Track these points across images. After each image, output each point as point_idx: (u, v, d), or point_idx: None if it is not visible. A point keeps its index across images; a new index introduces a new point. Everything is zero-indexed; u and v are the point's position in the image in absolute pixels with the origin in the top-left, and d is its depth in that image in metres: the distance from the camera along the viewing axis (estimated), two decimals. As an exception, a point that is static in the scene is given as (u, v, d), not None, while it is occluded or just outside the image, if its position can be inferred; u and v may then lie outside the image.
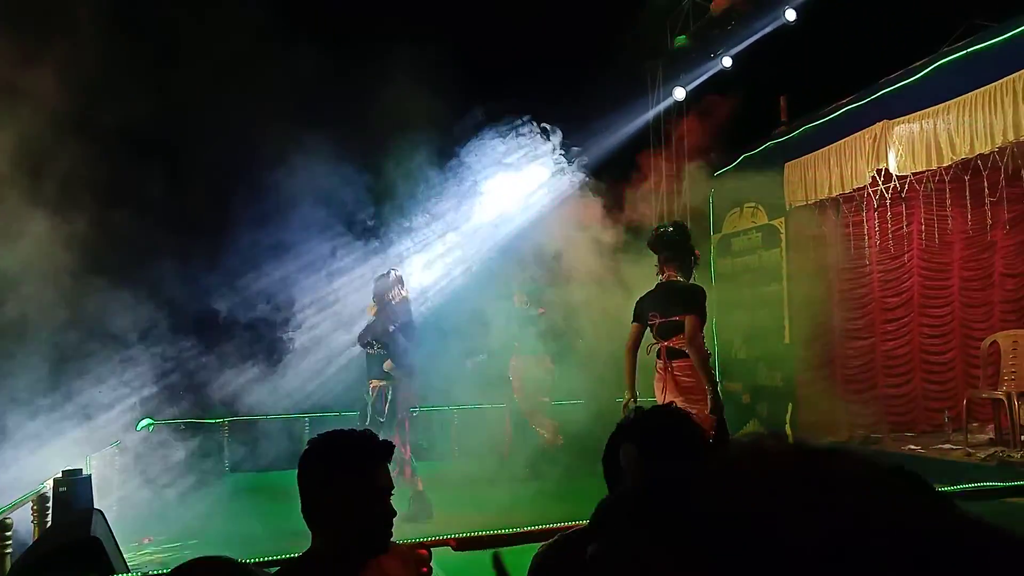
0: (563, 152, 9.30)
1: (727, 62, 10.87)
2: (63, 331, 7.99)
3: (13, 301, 7.38)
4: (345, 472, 1.96)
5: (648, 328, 5.62)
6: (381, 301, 7.31)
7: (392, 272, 7.45)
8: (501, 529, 4.22)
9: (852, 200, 9.10)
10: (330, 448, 2.02)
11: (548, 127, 9.18)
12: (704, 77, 11.09)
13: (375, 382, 7.24)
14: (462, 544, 3.92)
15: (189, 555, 5.13)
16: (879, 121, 8.06)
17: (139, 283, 8.56)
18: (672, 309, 5.52)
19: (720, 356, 10.97)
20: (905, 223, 9.39)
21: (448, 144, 8.96)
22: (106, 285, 8.13)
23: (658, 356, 5.58)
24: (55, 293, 7.63)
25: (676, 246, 5.73)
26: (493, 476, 8.47)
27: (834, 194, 8.88)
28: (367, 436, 2.05)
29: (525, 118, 9.06)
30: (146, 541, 6.78)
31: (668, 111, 11.95)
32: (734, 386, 10.69)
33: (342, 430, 2.10)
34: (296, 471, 2.01)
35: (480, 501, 7.37)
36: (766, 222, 10.12)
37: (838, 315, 9.61)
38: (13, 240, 7.32)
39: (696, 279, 5.84)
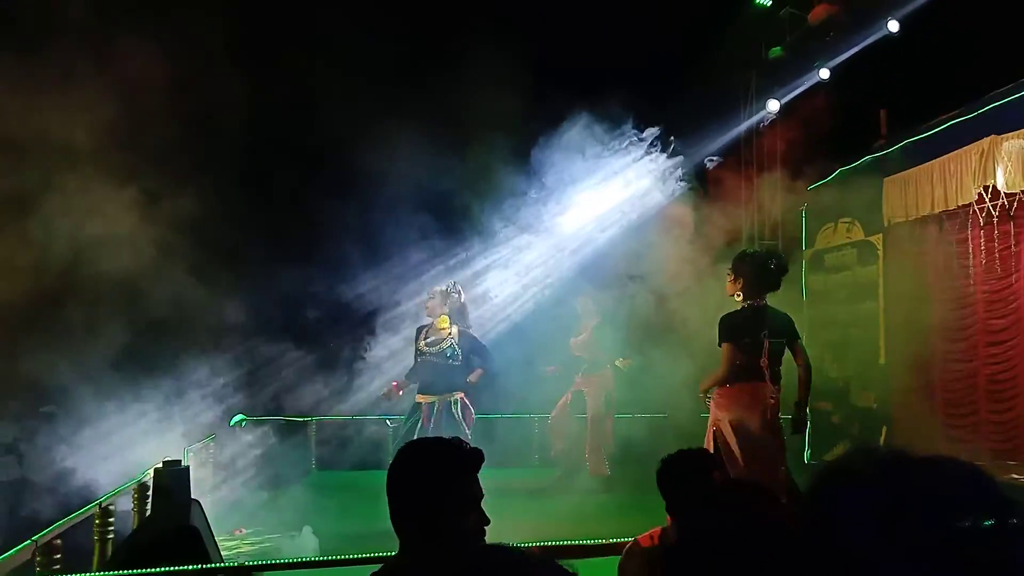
0: (665, 158, 9.24)
1: (824, 74, 10.59)
2: (164, 327, 8.34)
3: (125, 297, 7.74)
4: (435, 482, 1.94)
5: (742, 349, 5.50)
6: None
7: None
8: (581, 539, 4.19)
9: (956, 217, 8.73)
10: (420, 457, 2.01)
11: (650, 135, 9.13)
12: (800, 89, 10.82)
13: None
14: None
15: (280, 547, 5.29)
16: (987, 136, 7.73)
17: (241, 285, 8.85)
18: (781, 333, 5.52)
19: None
20: (1013, 242, 8.92)
21: (544, 149, 8.95)
22: (212, 284, 8.44)
23: (767, 379, 5.47)
24: (165, 289, 7.97)
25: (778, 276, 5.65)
26: (577, 486, 8.45)
27: (937, 211, 8.55)
28: (456, 445, 2.02)
29: (627, 126, 9.01)
30: (238, 532, 6.99)
31: (762, 123, 11.71)
32: (824, 405, 10.37)
33: (431, 438, 2.10)
34: (383, 473, 2.00)
35: (554, 510, 7.37)
36: (862, 238, 9.80)
37: (938, 336, 9.21)
38: (123, 237, 7.68)
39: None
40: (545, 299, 10.11)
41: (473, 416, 7.05)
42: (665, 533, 2.50)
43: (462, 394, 6.99)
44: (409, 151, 8.97)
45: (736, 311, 5.56)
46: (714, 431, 5.43)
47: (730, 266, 5.73)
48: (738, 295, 5.59)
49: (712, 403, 5.54)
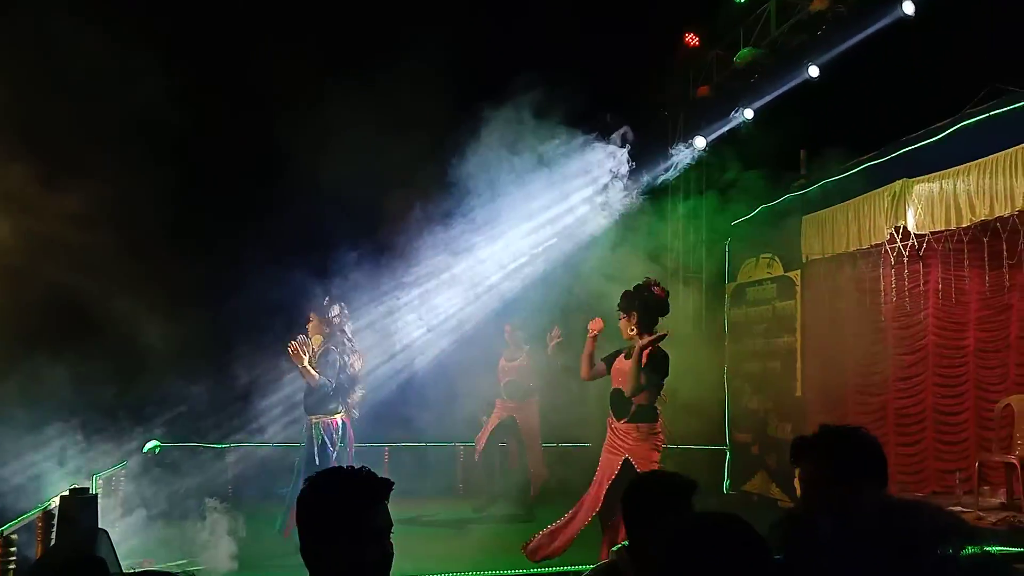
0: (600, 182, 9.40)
1: (748, 114, 10.95)
2: (73, 346, 8.05)
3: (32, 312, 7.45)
4: (342, 512, 1.93)
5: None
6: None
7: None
8: (493, 571, 4.18)
9: (869, 256, 9.10)
10: (327, 487, 1.99)
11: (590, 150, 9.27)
12: (726, 128, 11.15)
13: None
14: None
15: (188, 580, 5.04)
16: (899, 179, 8.08)
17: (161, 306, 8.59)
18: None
19: (730, 406, 10.93)
20: (922, 281, 9.37)
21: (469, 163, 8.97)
22: (127, 303, 8.20)
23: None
24: (75, 307, 7.71)
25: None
26: (491, 515, 8.45)
27: (851, 249, 8.88)
28: (364, 474, 2.01)
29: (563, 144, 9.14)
30: (146, 563, 6.75)
31: (689, 159, 12.01)
32: (743, 436, 10.62)
33: (339, 468, 2.08)
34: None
35: (481, 541, 7.33)
36: (782, 273, 10.12)
37: (851, 369, 9.56)
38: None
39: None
40: (469, 326, 10.14)
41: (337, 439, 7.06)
42: (621, 555, 2.52)
43: (323, 417, 7.07)
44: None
45: (658, 343, 5.68)
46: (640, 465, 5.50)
47: (623, 304, 5.86)
48: (632, 330, 5.75)
49: (645, 439, 5.62)
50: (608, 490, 5.47)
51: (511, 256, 10.02)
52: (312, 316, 7.32)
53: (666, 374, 5.71)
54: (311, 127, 9.08)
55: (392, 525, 1.99)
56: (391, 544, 1.99)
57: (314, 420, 7.10)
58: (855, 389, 9.57)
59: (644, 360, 5.57)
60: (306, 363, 6.97)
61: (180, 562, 6.83)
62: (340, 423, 7.14)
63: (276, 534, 7.01)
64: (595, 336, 5.87)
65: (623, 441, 5.65)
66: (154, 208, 8.49)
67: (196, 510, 7.86)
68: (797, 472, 2.37)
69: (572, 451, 9.78)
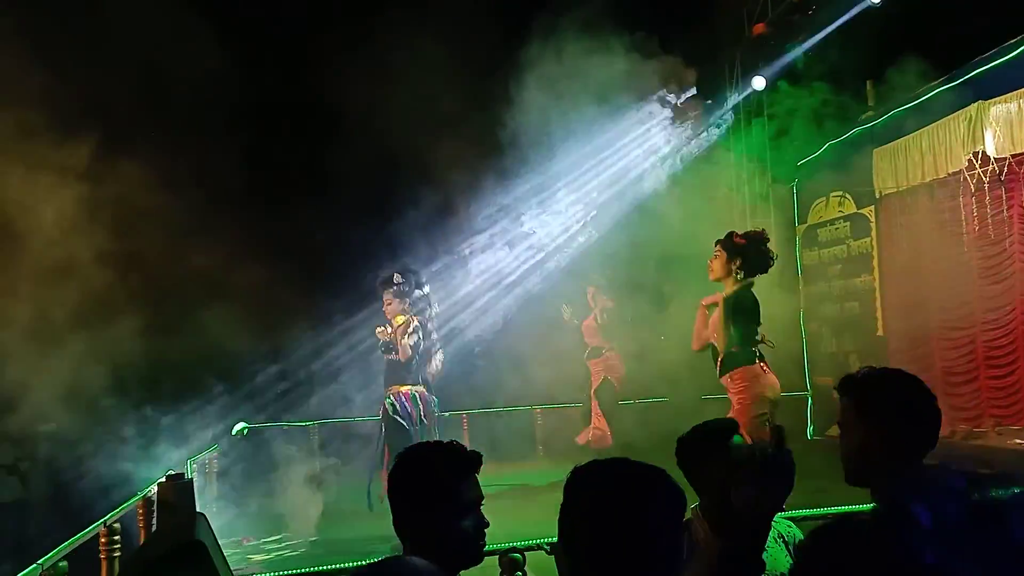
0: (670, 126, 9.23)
1: (808, 48, 10.53)
2: (163, 335, 8.30)
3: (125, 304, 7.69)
4: (435, 486, 1.95)
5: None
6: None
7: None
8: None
9: (947, 185, 8.70)
10: (418, 461, 2.01)
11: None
12: (785, 64, 10.76)
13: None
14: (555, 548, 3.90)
15: (287, 554, 5.27)
16: (974, 102, 7.70)
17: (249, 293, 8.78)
18: None
19: (808, 349, 10.70)
20: (1005, 207, 8.90)
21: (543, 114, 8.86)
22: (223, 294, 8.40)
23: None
24: (165, 296, 7.94)
25: None
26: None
27: (927, 179, 8.54)
28: (454, 448, 2.03)
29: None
30: (245, 542, 6.98)
31: (747, 100, 11.66)
32: (824, 380, 10.38)
33: (429, 443, 2.12)
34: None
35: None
36: (855, 211, 9.79)
37: (935, 305, 9.21)
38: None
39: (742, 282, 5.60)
40: (548, 284, 10.13)
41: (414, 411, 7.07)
42: (699, 510, 2.45)
43: (399, 388, 7.07)
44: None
45: (747, 290, 5.48)
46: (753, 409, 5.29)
47: (722, 244, 5.59)
48: (737, 275, 5.47)
49: (743, 388, 5.35)
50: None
51: (575, 213, 9.95)
52: (388, 297, 7.27)
53: (758, 320, 5.47)
54: (369, 83, 9.05)
55: (483, 497, 2.01)
56: (483, 515, 2.00)
57: (393, 391, 7.15)
58: (940, 324, 9.22)
59: (731, 310, 5.39)
60: (398, 337, 7.04)
61: (276, 537, 7.04)
62: (413, 394, 7.15)
63: (364, 506, 7.15)
64: (709, 305, 5.60)
65: (730, 395, 5.45)
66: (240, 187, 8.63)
67: (287, 487, 8.08)
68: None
69: (649, 407, 9.71)
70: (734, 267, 5.46)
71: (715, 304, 5.57)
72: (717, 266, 5.53)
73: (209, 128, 8.49)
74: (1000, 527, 0.98)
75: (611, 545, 1.44)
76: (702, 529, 2.40)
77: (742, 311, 5.40)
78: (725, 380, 5.44)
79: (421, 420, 7.05)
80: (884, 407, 2.16)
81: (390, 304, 7.20)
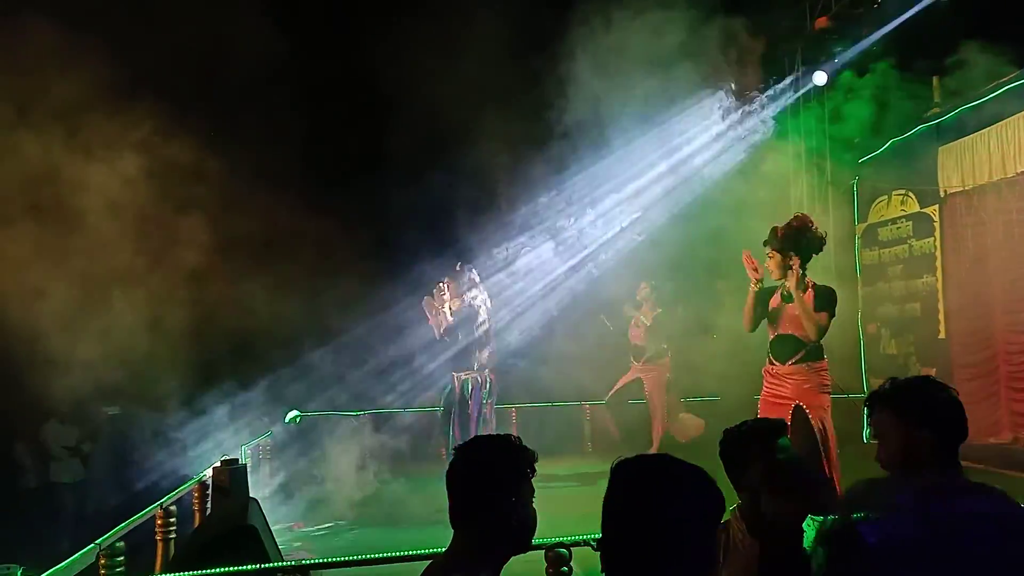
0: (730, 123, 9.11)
1: (872, 42, 10.27)
2: (221, 325, 8.48)
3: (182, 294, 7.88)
4: (515, 471, 2.03)
5: None
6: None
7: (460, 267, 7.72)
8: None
9: (1015, 184, 8.42)
10: (502, 448, 2.07)
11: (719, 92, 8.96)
12: (848, 59, 10.51)
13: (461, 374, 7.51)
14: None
15: (337, 540, 5.34)
16: (1045, 99, 7.45)
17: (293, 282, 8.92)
18: None
19: (867, 351, 10.47)
20: (1076, 208, 8.63)
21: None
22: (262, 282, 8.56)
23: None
24: (219, 285, 8.11)
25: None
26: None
27: (995, 178, 8.29)
28: (517, 442, 2.09)
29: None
30: (296, 527, 7.10)
31: (808, 95, 11.42)
32: (881, 382, 10.14)
33: (494, 435, 2.16)
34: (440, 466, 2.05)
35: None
36: (918, 210, 9.54)
37: (1000, 308, 8.93)
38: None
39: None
40: (597, 284, 10.10)
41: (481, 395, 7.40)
42: (739, 510, 2.41)
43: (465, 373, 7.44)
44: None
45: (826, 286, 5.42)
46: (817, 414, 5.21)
47: (779, 244, 5.49)
48: (796, 271, 5.37)
49: (813, 381, 5.28)
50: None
51: (629, 209, 9.88)
52: (448, 282, 7.57)
53: (832, 308, 5.35)
54: (419, 63, 9.11)
55: (534, 492, 2.06)
56: (534, 510, 2.06)
57: (459, 376, 7.42)
58: (1004, 328, 8.94)
59: (812, 300, 5.31)
60: (444, 309, 7.33)
61: (328, 524, 7.15)
62: (479, 379, 7.45)
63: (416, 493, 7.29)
64: (758, 281, 5.52)
65: (789, 386, 5.29)
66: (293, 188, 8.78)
67: (338, 474, 8.20)
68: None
69: (704, 404, 9.60)
70: (789, 261, 5.40)
71: (763, 288, 5.50)
72: (773, 267, 5.46)
73: (262, 105, 8.67)
74: (954, 541, 0.96)
75: (643, 539, 1.46)
76: (740, 530, 2.37)
77: (831, 303, 5.33)
78: (791, 369, 5.34)
79: (483, 405, 7.32)
80: (922, 411, 2.15)
81: (450, 287, 7.55)
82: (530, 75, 8.98)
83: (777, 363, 5.40)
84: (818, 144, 11.48)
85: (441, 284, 7.55)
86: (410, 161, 9.66)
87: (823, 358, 5.36)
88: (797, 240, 5.43)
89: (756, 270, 5.42)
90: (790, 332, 5.38)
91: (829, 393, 5.34)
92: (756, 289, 5.44)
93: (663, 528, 1.45)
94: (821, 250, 5.59)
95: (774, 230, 5.53)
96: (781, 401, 5.30)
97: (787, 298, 5.41)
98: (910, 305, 9.70)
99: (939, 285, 9.19)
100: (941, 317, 9.16)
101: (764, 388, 5.47)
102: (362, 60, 9.67)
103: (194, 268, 7.97)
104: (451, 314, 7.44)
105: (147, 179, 7.43)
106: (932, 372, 9.25)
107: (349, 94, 9.90)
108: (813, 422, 5.10)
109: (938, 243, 9.22)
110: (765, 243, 5.53)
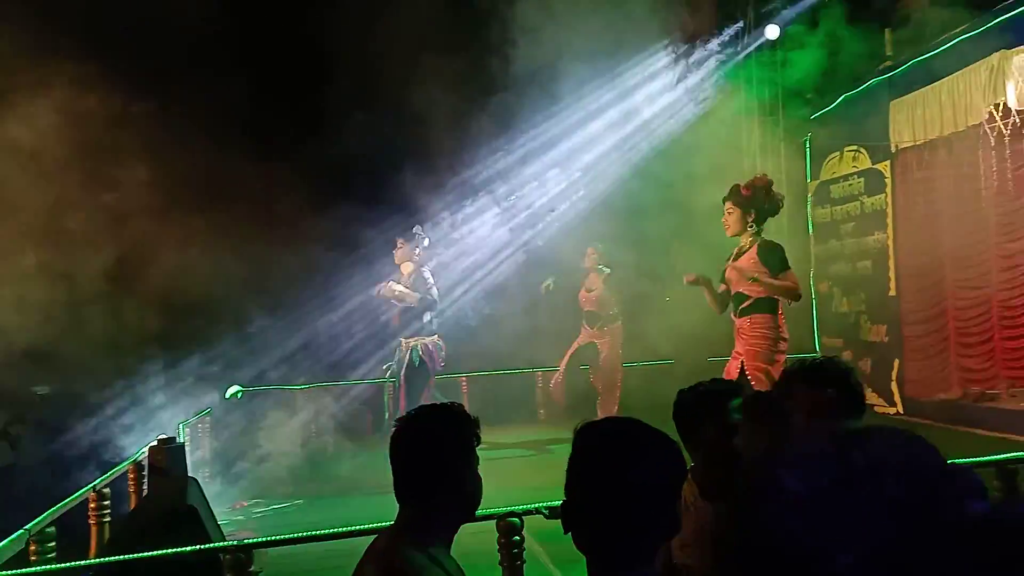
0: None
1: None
2: (152, 296, 8.28)
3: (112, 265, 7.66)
4: (465, 439, 2.03)
5: None
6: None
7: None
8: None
9: (966, 138, 8.58)
10: (450, 417, 2.07)
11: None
12: (798, 11, 10.56)
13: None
14: (555, 512, 3.90)
15: (282, 520, 5.27)
16: (996, 51, 7.56)
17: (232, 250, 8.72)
18: None
19: (818, 309, 10.67)
20: (1026, 161, 8.83)
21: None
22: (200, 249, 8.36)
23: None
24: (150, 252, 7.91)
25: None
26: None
27: (946, 133, 8.42)
28: (460, 410, 2.09)
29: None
30: (238, 506, 7.02)
31: (759, 49, 11.45)
32: (834, 342, 10.37)
33: (441, 404, 2.17)
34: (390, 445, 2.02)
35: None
36: (869, 166, 9.69)
37: (950, 264, 9.15)
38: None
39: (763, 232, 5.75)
40: (549, 242, 10.07)
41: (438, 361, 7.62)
42: (691, 473, 2.46)
43: (422, 339, 7.56)
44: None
45: (768, 240, 5.58)
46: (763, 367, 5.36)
47: (732, 200, 5.66)
48: (749, 227, 5.56)
49: (762, 335, 5.45)
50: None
51: (578, 170, 9.86)
52: (400, 243, 7.62)
53: (786, 262, 5.55)
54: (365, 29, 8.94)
55: (479, 460, 2.07)
56: (479, 478, 2.07)
57: (412, 343, 7.44)
58: (954, 284, 9.18)
59: (755, 258, 5.50)
60: (400, 288, 7.32)
61: (272, 503, 7.07)
62: (439, 344, 7.55)
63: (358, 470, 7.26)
64: (695, 281, 5.69)
65: (739, 341, 5.55)
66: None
67: (281, 451, 8.12)
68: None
69: (657, 369, 9.70)
70: (749, 220, 5.60)
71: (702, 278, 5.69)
72: (732, 221, 5.67)
73: (201, 67, 8.44)
74: (876, 485, 1.00)
75: (608, 502, 1.48)
76: (692, 493, 2.43)
77: (776, 256, 5.51)
78: (740, 321, 5.48)
79: (437, 371, 7.47)
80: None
81: (400, 249, 7.67)
82: (468, 31, 8.88)
83: (735, 314, 5.65)
84: (770, 98, 11.56)
85: (398, 244, 7.68)
86: (349, 114, 9.47)
87: (768, 312, 5.49)
88: (760, 200, 5.64)
89: (694, 279, 5.68)
90: (739, 290, 5.59)
91: (775, 349, 5.46)
92: (703, 283, 5.69)
93: (629, 491, 1.46)
94: (776, 213, 5.78)
95: (736, 187, 5.71)
96: (735, 356, 5.58)
97: (738, 256, 5.58)
98: (861, 263, 9.87)
99: (890, 242, 9.36)
100: (892, 275, 9.34)
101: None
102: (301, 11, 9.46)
103: (125, 229, 7.78)
104: (407, 279, 7.53)
105: (67, 128, 7.17)
106: (882, 329, 9.48)
107: (286, 40, 9.64)
108: (750, 378, 5.24)
109: (889, 200, 9.37)
110: (725, 198, 5.67)
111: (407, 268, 7.68)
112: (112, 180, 7.79)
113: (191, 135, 8.13)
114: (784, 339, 5.53)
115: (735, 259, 5.66)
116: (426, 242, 7.85)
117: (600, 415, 8.67)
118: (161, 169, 7.97)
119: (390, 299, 7.68)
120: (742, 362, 5.44)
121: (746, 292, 5.52)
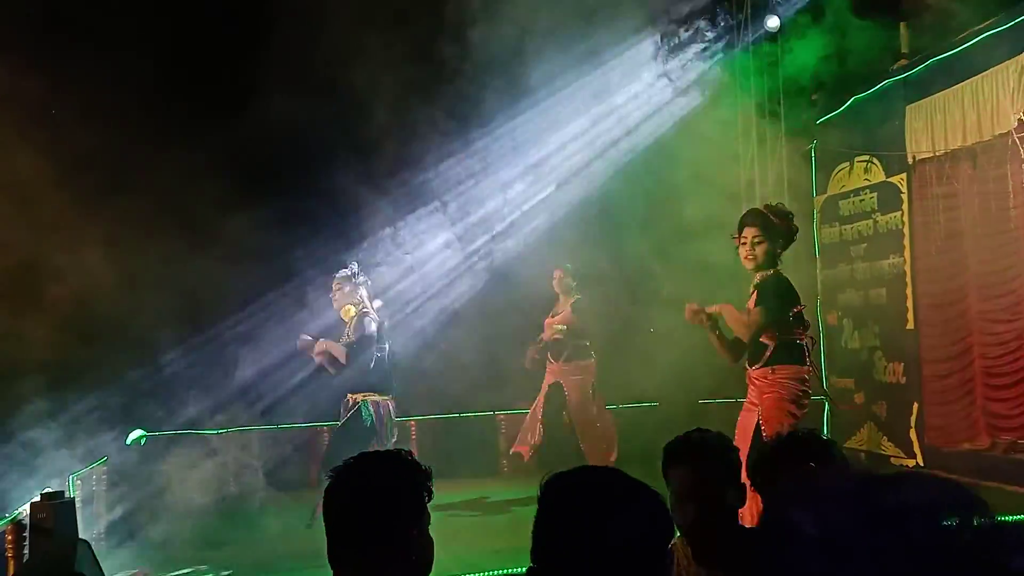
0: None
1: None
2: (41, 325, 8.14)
3: None
4: (405, 497, 2.02)
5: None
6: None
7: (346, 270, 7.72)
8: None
9: (992, 149, 8.77)
10: (384, 471, 2.06)
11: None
12: (804, 2, 10.76)
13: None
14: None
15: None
16: (1025, 51, 7.76)
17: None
18: None
19: (826, 345, 10.78)
20: (1060, 177, 9.04)
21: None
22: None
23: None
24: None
25: None
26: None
27: (970, 142, 8.59)
28: (410, 458, 2.09)
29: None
30: (140, 574, 6.89)
31: (759, 43, 11.63)
32: (844, 382, 10.49)
33: (386, 451, 2.20)
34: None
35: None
36: (883, 179, 9.85)
37: (976, 292, 9.31)
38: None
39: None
40: (509, 269, 10.09)
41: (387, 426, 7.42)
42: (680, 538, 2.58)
43: (372, 396, 7.40)
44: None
45: (781, 274, 5.62)
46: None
47: (756, 226, 5.64)
48: (777, 261, 5.64)
49: (782, 387, 5.46)
50: (748, 455, 5.31)
51: (549, 176, 9.90)
52: (337, 284, 7.54)
53: (795, 300, 5.62)
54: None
55: (430, 518, 2.06)
56: (431, 540, 2.06)
57: (360, 398, 7.31)
58: (980, 316, 9.33)
59: (755, 294, 5.58)
60: (327, 345, 7.26)
61: (180, 571, 6.96)
62: (391, 407, 7.42)
63: (292, 526, 7.16)
64: (699, 320, 5.66)
65: (754, 391, 5.55)
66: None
67: (193, 508, 7.99)
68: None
69: (639, 413, 9.73)
70: (778, 253, 5.68)
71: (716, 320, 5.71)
72: (760, 253, 5.61)
73: (98, 34, 8.40)
74: (898, 533, 1.02)
75: (582, 567, 1.46)
76: (685, 555, 2.51)
77: (774, 293, 5.58)
78: (759, 372, 5.51)
79: (389, 437, 7.29)
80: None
81: (339, 291, 7.57)
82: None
83: (748, 367, 5.66)
84: (770, 99, 11.71)
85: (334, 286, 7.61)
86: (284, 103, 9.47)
87: (793, 363, 5.53)
88: (780, 226, 5.68)
89: (699, 313, 5.66)
90: (747, 335, 5.63)
91: (798, 404, 5.49)
92: (708, 325, 5.66)
93: (607, 554, 1.44)
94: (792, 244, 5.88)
95: (760, 212, 5.76)
96: (750, 407, 5.58)
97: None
98: (875, 291, 10.00)
99: (907, 267, 9.50)
100: (910, 304, 9.48)
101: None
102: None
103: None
104: (350, 327, 7.42)
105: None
106: (899, 369, 9.59)
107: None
108: (765, 436, 5.25)
109: (906, 218, 9.53)
110: (747, 223, 5.68)
111: (348, 313, 7.57)
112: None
113: (87, 116, 8.02)
114: (809, 395, 5.60)
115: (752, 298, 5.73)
116: (362, 278, 7.72)
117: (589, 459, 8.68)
118: (50, 156, 7.86)
119: (316, 360, 7.60)
120: (759, 419, 5.43)
121: (765, 341, 5.54)
